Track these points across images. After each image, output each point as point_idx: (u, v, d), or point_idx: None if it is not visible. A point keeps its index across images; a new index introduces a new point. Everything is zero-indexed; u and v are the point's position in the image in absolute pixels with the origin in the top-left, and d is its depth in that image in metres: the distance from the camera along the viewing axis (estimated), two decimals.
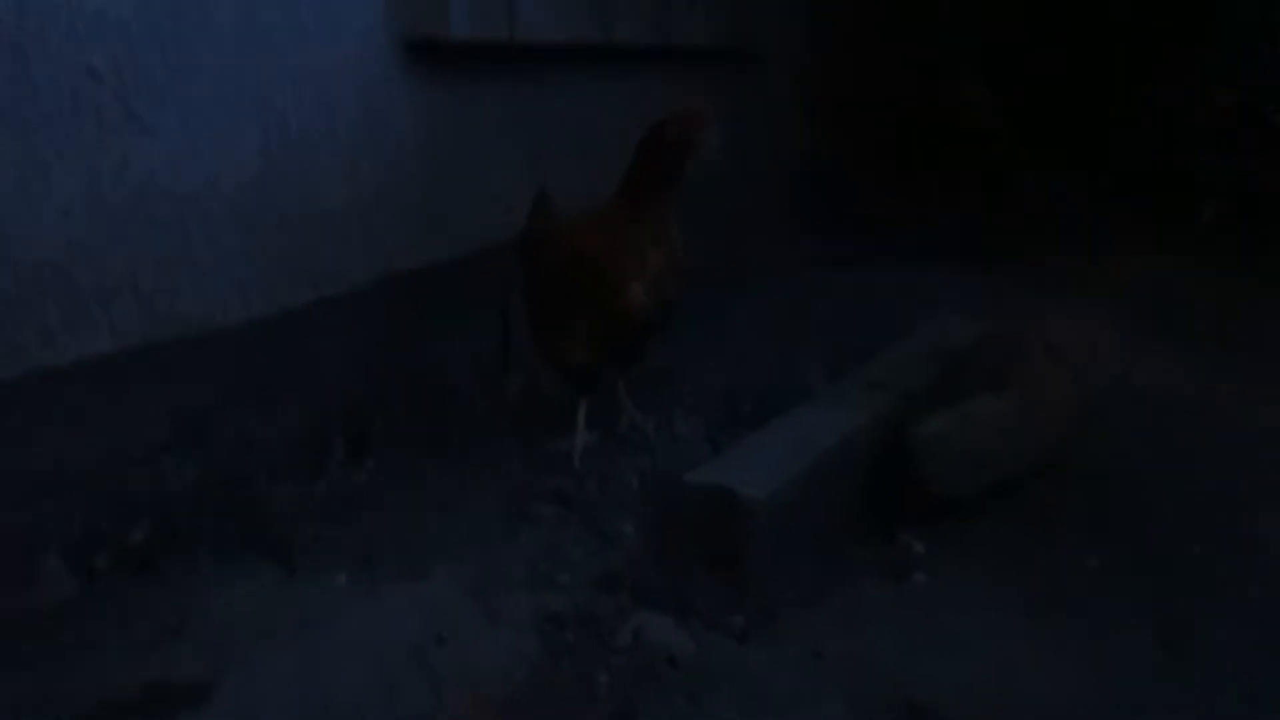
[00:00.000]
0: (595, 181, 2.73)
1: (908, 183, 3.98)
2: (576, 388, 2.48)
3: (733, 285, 3.68)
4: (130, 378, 2.08)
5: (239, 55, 2.20)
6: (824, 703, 1.81)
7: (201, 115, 2.15)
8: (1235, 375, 3.03)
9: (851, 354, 2.99)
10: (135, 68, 2.03)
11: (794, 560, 2.16)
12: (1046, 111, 3.31)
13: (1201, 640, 2.03)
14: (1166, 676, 1.94)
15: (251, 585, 1.93)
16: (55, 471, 1.97)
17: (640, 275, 2.32)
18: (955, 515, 2.38)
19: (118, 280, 2.05)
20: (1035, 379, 2.77)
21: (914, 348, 2.90)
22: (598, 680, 1.79)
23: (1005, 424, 2.50)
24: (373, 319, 2.58)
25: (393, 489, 2.30)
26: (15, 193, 1.87)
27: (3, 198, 1.86)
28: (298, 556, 2.02)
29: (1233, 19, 2.57)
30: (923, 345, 2.89)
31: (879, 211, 4.05)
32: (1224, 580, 2.27)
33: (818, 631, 2.01)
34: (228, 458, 2.26)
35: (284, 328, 2.37)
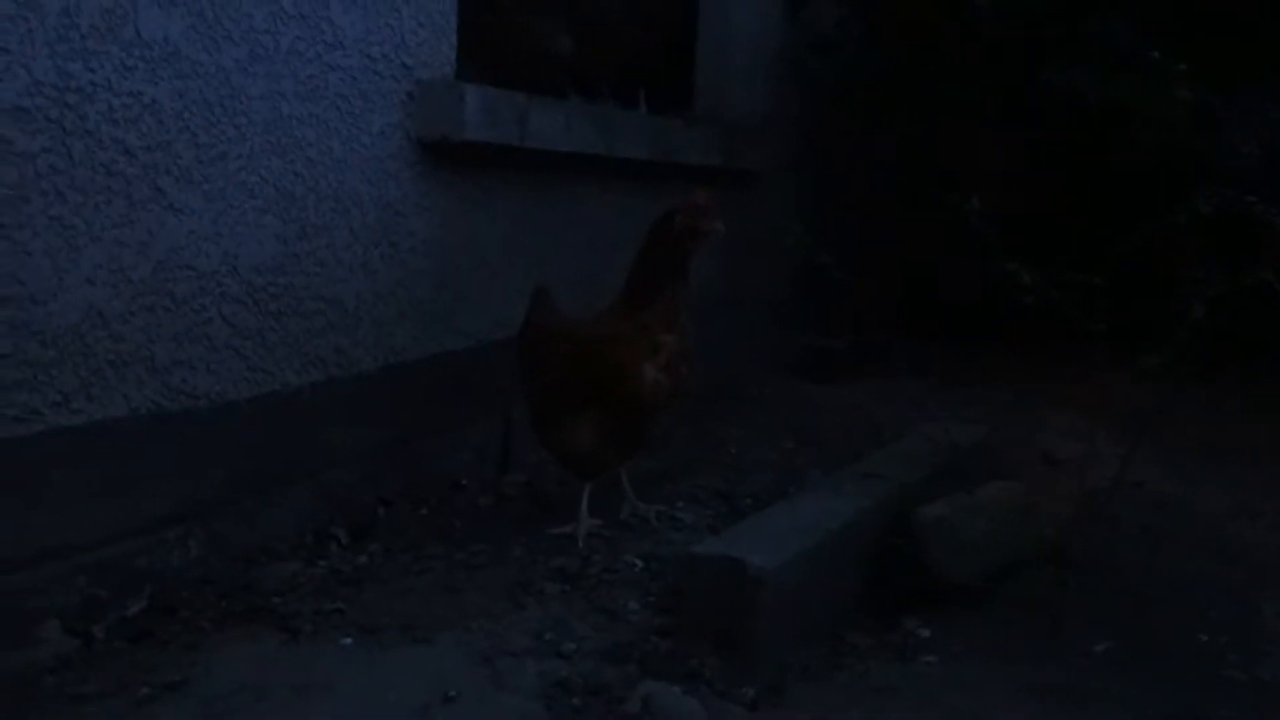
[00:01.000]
0: (595, 285, 2.83)
1: (905, 294, 4.10)
2: (580, 475, 2.50)
3: (731, 396, 3.74)
4: (139, 447, 2.10)
5: (264, 144, 2.30)
6: None
7: (225, 198, 2.24)
8: (1225, 480, 3.08)
9: (848, 460, 3.02)
10: (166, 149, 2.12)
11: (801, 636, 2.16)
12: (1041, 229, 3.44)
13: None
14: None
15: (253, 649, 1.91)
16: (59, 537, 1.97)
17: (652, 358, 2.38)
18: (960, 600, 2.38)
19: (135, 350, 2.09)
20: (1036, 474, 2.82)
21: (910, 446, 2.94)
22: None
23: (1009, 511, 2.53)
24: (379, 407, 2.62)
25: (396, 570, 2.30)
26: (44, 260, 1.93)
27: (33, 264, 1.91)
28: (300, 624, 2.01)
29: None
30: (920, 444, 2.93)
31: (875, 320, 4.15)
32: (1231, 665, 2.26)
33: (827, 705, 2.00)
34: (231, 534, 2.26)
35: (292, 409, 2.40)
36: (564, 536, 2.44)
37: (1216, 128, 3.07)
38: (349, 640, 1.96)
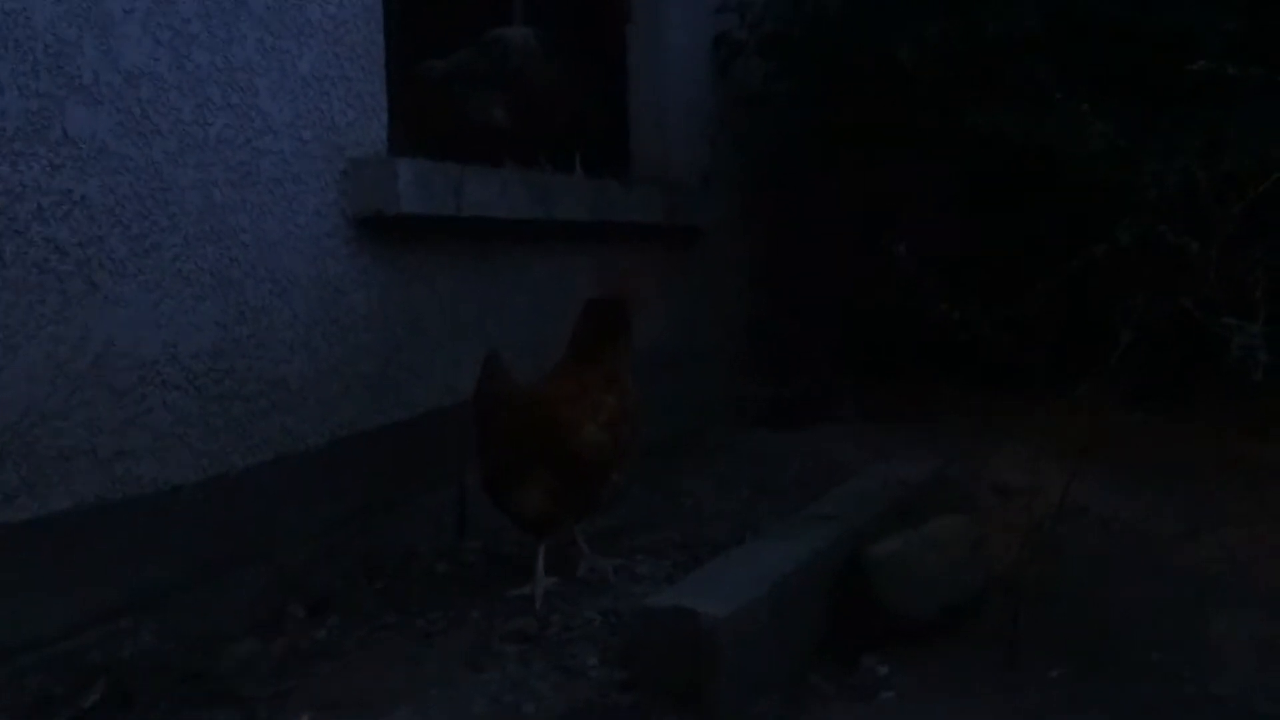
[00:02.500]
0: (541, 348, 2.86)
1: (851, 338, 4.16)
2: (535, 534, 2.52)
3: (688, 448, 3.77)
4: (86, 539, 2.10)
5: (198, 232, 2.33)
6: None
7: (161, 287, 2.26)
8: (1168, 501, 3.13)
9: (805, 504, 3.05)
10: (99, 243, 2.14)
11: (759, 683, 2.17)
12: (975, 267, 3.52)
13: None
14: None
15: None
16: (9, 635, 1.96)
17: (594, 417, 2.43)
18: (915, 635, 2.40)
19: (77, 443, 2.10)
20: (987, 506, 2.85)
21: (862, 486, 2.98)
22: None
23: (959, 545, 2.56)
24: (329, 482, 2.62)
25: (353, 643, 2.30)
26: None
27: None
28: (257, 706, 2.00)
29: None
30: (872, 484, 2.96)
31: (823, 369, 4.21)
32: (1186, 680, 2.30)
33: None
34: (185, 619, 2.25)
35: (240, 491, 2.41)
36: (522, 597, 2.45)
37: (1136, 160, 3.16)
38: (306, 718, 1.95)
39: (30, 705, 1.96)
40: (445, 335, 2.99)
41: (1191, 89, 3.42)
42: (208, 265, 2.35)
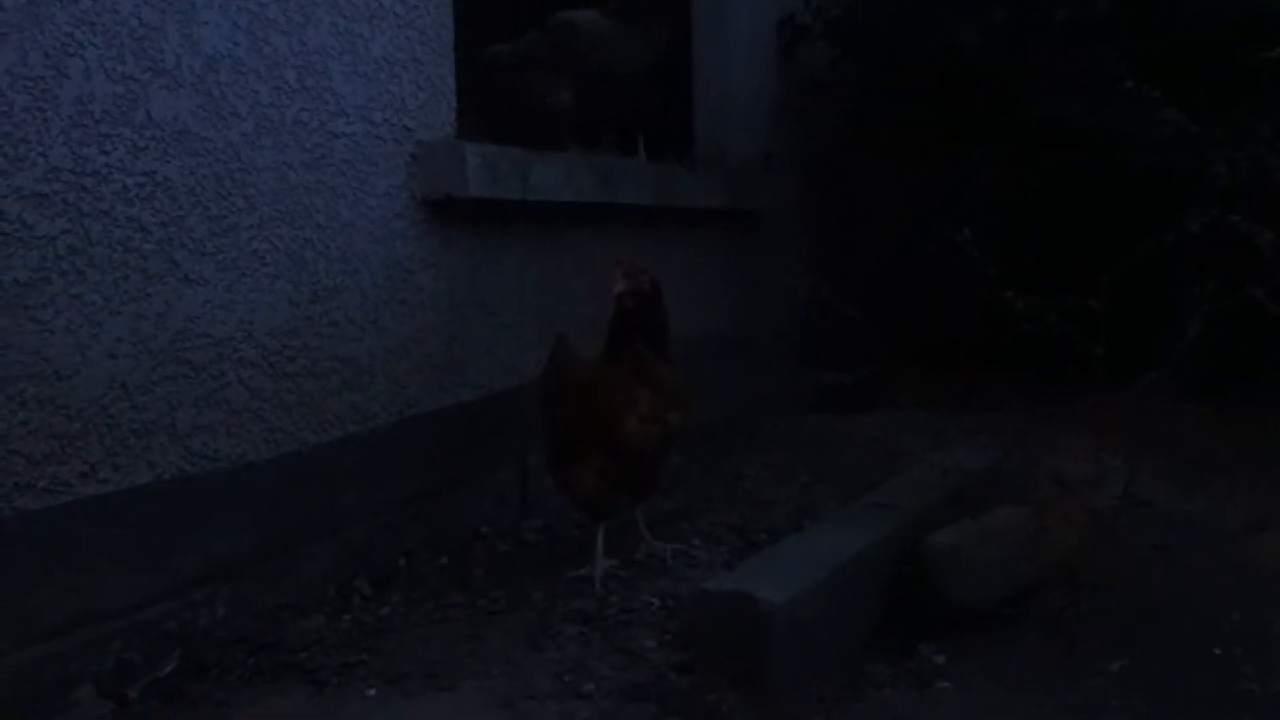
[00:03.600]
0: (602, 329, 2.88)
1: (911, 325, 4.14)
2: (592, 515, 2.56)
3: (746, 434, 3.79)
4: (165, 512, 2.17)
5: (273, 213, 2.38)
6: None
7: (238, 267, 2.32)
8: (1233, 494, 3.09)
9: (862, 491, 3.06)
10: (179, 223, 2.20)
11: (819, 667, 2.19)
12: (1039, 256, 3.48)
13: None
14: None
15: (281, 704, 1.97)
16: (92, 603, 2.04)
17: (632, 410, 2.46)
18: (974, 625, 2.40)
19: (157, 418, 2.16)
20: (1045, 498, 2.84)
21: (921, 474, 2.97)
22: None
23: (1020, 534, 2.56)
24: (396, 460, 2.68)
25: (418, 619, 2.35)
26: (66, 336, 2.01)
27: (56, 341, 1.99)
28: (326, 676, 2.06)
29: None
30: (930, 472, 2.96)
31: (882, 355, 4.19)
32: (1247, 678, 2.28)
33: None
34: (256, 592, 2.32)
35: (311, 467, 2.47)
36: (581, 579, 2.49)
37: (1206, 148, 3.11)
38: (374, 691, 2.01)
39: (111, 671, 2.04)
40: (509, 316, 3.03)
41: (1265, 76, 3.36)
42: (283, 245, 2.41)
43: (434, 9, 2.78)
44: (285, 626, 2.29)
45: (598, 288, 3.33)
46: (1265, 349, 2.89)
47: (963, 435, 3.55)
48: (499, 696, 1.98)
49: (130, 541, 2.11)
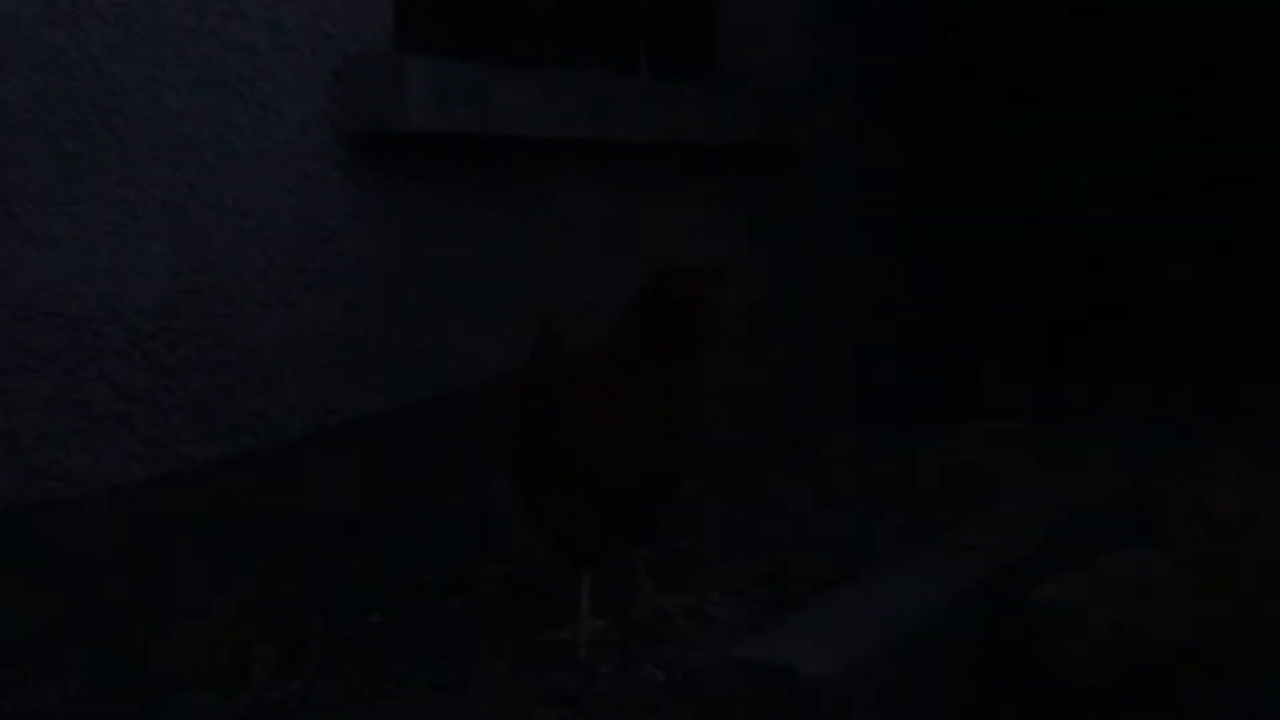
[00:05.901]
0: (588, 307, 2.89)
1: (1006, 311, 4.15)
2: (574, 560, 2.57)
3: (782, 451, 3.80)
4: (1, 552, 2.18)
5: (146, 147, 2.39)
6: None
7: (99, 221, 2.32)
8: None
9: (940, 527, 3.07)
10: (19, 162, 2.20)
11: None
12: (1170, 222, 3.49)
13: None
14: None
15: None
16: None
17: (617, 441, 2.47)
18: (1090, 707, 2.41)
19: None
20: (1187, 538, 2.85)
21: (1021, 506, 2.99)
22: None
23: (1152, 589, 2.57)
24: (311, 484, 2.69)
25: (337, 699, 2.35)
26: None
27: None
28: None
29: None
30: (1034, 503, 2.97)
31: (972, 348, 4.20)
32: None
33: None
34: (121, 661, 2.32)
35: (196, 492, 2.48)
36: (561, 644, 2.49)
37: None
38: None
39: None
40: (467, 292, 3.04)
41: None
42: (159, 193, 2.42)
43: None
44: (160, 708, 2.29)
45: (581, 249, 3.36)
46: None
47: (1078, 454, 3.56)
48: None
49: None
